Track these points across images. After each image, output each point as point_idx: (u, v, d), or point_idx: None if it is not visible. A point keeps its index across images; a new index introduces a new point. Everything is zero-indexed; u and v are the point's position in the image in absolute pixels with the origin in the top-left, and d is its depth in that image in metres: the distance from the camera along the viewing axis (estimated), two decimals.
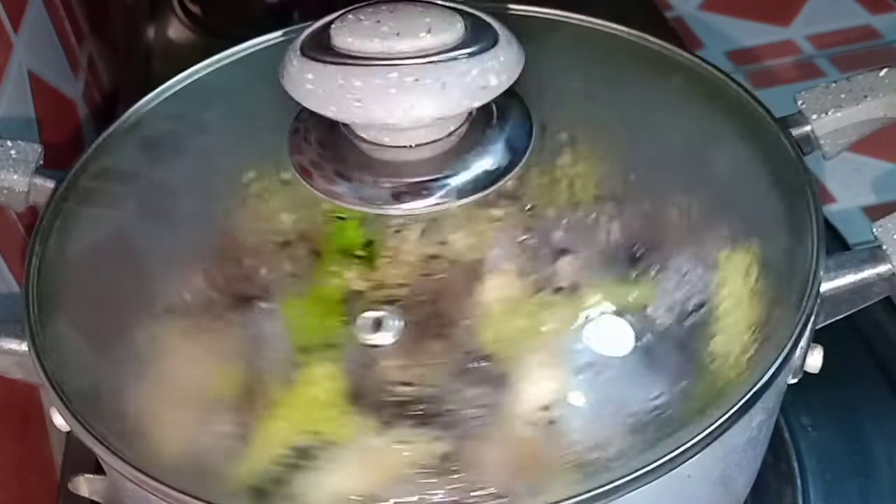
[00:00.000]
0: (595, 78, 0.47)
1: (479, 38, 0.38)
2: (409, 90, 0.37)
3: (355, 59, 0.37)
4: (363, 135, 0.40)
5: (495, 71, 0.38)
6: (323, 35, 0.39)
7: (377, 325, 0.37)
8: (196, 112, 0.49)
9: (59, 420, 0.39)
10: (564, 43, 0.49)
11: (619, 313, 0.38)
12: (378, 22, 0.38)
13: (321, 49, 0.38)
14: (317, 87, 0.38)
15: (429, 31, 0.37)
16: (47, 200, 0.46)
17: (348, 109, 0.37)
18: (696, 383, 0.37)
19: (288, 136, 0.43)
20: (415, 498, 0.35)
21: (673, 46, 0.49)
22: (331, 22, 0.39)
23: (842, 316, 0.41)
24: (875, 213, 0.68)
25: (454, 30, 0.38)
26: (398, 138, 0.40)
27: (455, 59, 0.37)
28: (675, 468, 0.35)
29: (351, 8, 0.39)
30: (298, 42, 0.39)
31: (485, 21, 0.39)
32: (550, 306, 0.37)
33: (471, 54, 0.37)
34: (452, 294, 0.38)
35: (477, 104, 0.38)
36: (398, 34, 0.37)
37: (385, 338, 0.37)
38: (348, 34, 0.38)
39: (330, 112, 0.38)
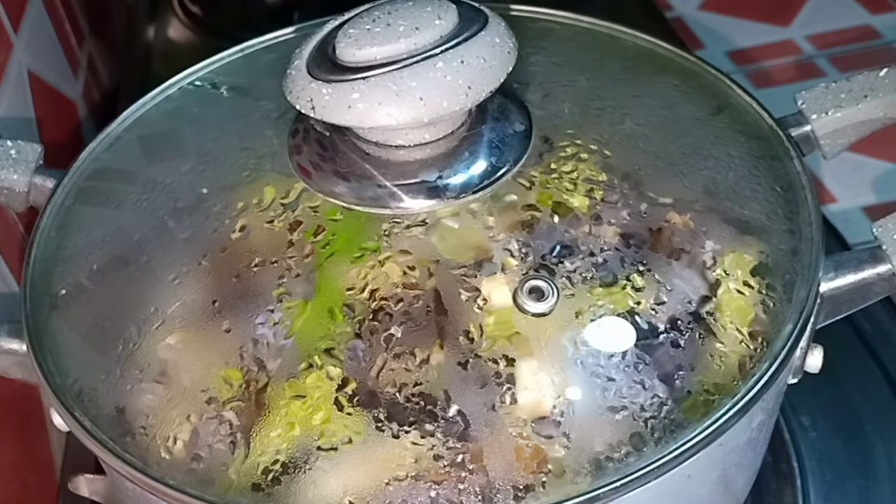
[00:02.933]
0: (594, 78, 0.47)
1: (470, 32, 0.38)
2: (410, 94, 0.37)
3: (357, 71, 0.37)
4: (363, 135, 0.40)
5: (485, 69, 0.38)
6: (325, 48, 0.39)
7: (539, 294, 0.37)
8: (196, 112, 0.49)
9: (58, 420, 0.39)
10: (564, 43, 0.49)
11: (618, 314, 0.38)
12: (378, 28, 0.38)
13: (324, 63, 0.38)
14: (321, 103, 0.38)
15: (428, 30, 0.38)
16: (47, 200, 0.46)
17: (354, 118, 0.37)
18: (696, 383, 0.37)
19: (288, 137, 0.43)
20: (415, 498, 0.35)
21: (673, 47, 0.49)
22: (331, 33, 0.39)
23: (842, 316, 0.41)
24: (875, 213, 0.68)
25: (450, 25, 0.38)
26: (398, 139, 0.40)
27: (451, 58, 0.37)
28: (675, 468, 0.35)
29: (352, 15, 0.40)
30: (304, 58, 0.39)
31: (477, 15, 0.39)
32: (550, 307, 0.37)
33: (464, 52, 0.38)
34: (452, 294, 0.38)
35: (471, 104, 0.38)
36: (399, 37, 0.37)
37: (545, 306, 0.37)
38: (350, 45, 0.38)
39: (335, 121, 0.38)
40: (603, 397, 0.36)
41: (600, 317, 0.38)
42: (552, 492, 0.35)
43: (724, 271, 0.39)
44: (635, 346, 0.37)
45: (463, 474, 0.35)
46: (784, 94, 0.47)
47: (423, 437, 0.35)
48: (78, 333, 0.41)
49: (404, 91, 0.37)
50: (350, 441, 0.36)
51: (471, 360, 0.37)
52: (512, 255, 0.38)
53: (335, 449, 0.36)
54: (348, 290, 0.38)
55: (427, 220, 0.39)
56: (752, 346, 0.38)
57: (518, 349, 0.37)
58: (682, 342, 0.38)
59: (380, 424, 0.36)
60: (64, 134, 0.72)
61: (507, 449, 0.35)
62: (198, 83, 0.50)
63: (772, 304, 0.39)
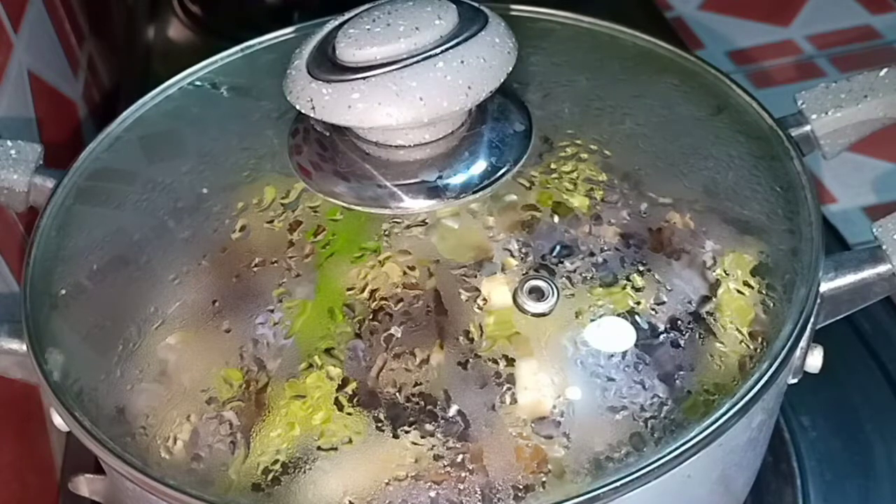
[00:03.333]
0: (594, 78, 0.47)
1: (470, 32, 0.38)
2: (410, 94, 0.37)
3: (357, 71, 0.37)
4: (363, 135, 0.40)
5: (485, 69, 0.38)
6: (325, 48, 0.39)
7: (539, 294, 0.37)
8: (196, 112, 0.49)
9: (58, 420, 0.39)
10: (564, 43, 0.49)
11: (618, 314, 0.38)
12: (378, 28, 0.38)
13: (324, 63, 0.38)
14: (321, 103, 0.38)
15: (428, 30, 0.38)
16: (47, 200, 0.46)
17: (354, 118, 0.37)
18: (696, 383, 0.37)
19: (288, 137, 0.43)
20: (415, 498, 0.35)
21: (673, 47, 0.49)
22: (331, 33, 0.39)
23: (842, 316, 0.41)
24: (875, 213, 0.68)
25: (450, 25, 0.38)
26: (398, 139, 0.40)
27: (451, 58, 0.37)
28: (675, 468, 0.35)
29: (352, 15, 0.40)
30: (304, 58, 0.39)
31: (477, 15, 0.39)
32: (550, 307, 0.37)
33: (464, 52, 0.37)
34: (452, 294, 0.38)
35: (471, 105, 0.38)
36: (399, 37, 0.37)
37: (545, 306, 0.37)
38: (350, 45, 0.38)
39: (335, 121, 0.38)
40: (603, 397, 0.36)
41: (600, 317, 0.38)
42: (552, 492, 0.35)
43: (724, 271, 0.39)
44: (635, 346, 0.37)
45: (463, 474, 0.35)
46: (784, 94, 0.47)
47: (423, 437, 0.35)
48: (78, 333, 0.41)
49: (404, 91, 0.37)
50: (350, 441, 0.36)
51: (471, 360, 0.37)
52: (512, 255, 0.38)
53: (335, 449, 0.36)
54: (348, 290, 0.38)
55: (427, 220, 0.39)
56: (752, 346, 0.38)
57: (518, 349, 0.37)
58: (682, 342, 0.38)
59: (380, 424, 0.36)
60: (64, 134, 0.72)
61: (507, 449, 0.35)
62: (198, 83, 0.50)
63: (772, 304, 0.39)
